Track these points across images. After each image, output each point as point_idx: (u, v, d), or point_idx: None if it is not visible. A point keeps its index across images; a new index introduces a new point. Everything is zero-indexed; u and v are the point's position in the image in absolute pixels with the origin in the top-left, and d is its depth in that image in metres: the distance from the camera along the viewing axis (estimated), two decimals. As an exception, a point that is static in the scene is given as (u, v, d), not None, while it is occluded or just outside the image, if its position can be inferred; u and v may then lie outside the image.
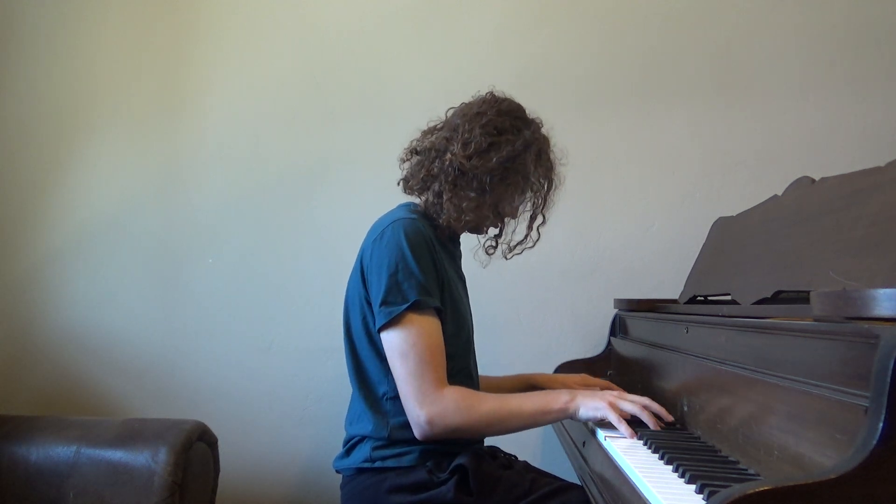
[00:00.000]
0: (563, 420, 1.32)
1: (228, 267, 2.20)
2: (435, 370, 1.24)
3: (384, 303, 1.25)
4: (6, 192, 2.25)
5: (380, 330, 1.27)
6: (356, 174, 2.19)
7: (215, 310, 2.19)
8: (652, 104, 2.14)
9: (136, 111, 2.25)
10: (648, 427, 1.21)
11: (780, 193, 1.42)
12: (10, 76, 2.27)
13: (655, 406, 1.25)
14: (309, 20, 2.24)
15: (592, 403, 1.24)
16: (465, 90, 2.14)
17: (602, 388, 1.51)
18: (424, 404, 1.22)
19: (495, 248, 1.53)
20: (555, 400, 1.27)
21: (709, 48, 2.13)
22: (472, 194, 1.35)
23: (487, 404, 1.26)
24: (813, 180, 1.30)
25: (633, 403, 1.24)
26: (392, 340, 1.25)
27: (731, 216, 1.69)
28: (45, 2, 2.28)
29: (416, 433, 1.25)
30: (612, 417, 1.21)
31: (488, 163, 1.33)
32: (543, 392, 1.34)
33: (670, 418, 1.25)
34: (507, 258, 1.51)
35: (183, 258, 2.21)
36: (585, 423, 1.32)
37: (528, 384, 1.60)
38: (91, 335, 2.20)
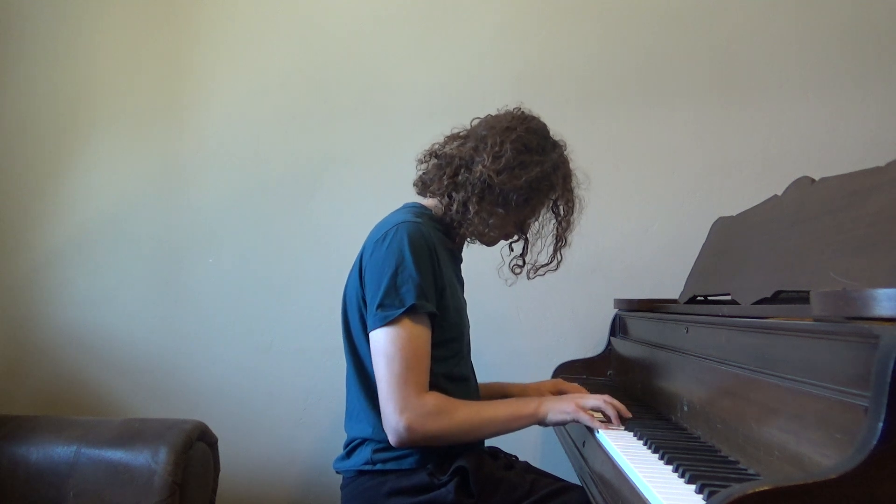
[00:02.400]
0: (534, 425, 1.33)
1: (228, 267, 2.20)
2: (417, 376, 1.23)
3: (381, 305, 1.24)
4: (6, 192, 2.25)
5: (371, 330, 1.27)
6: (356, 174, 2.19)
7: (215, 310, 2.19)
8: (652, 104, 2.14)
9: (136, 111, 2.26)
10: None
11: (780, 193, 1.42)
12: (10, 76, 2.27)
13: (616, 402, 1.30)
14: (309, 20, 2.24)
15: (560, 407, 1.28)
16: (466, 90, 2.16)
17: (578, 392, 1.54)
18: (405, 410, 1.21)
19: (521, 267, 1.53)
20: (524, 406, 1.30)
21: (709, 48, 2.13)
22: (500, 210, 1.36)
23: (463, 412, 1.26)
24: (813, 180, 1.30)
25: (596, 399, 1.30)
26: (381, 341, 1.24)
27: (731, 216, 1.69)
28: (45, 2, 2.28)
29: (392, 439, 1.24)
30: (583, 417, 1.26)
31: (517, 180, 1.33)
32: (515, 399, 1.39)
33: (629, 415, 1.29)
34: (529, 278, 1.52)
35: (183, 258, 2.21)
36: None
37: (501, 392, 1.60)
38: (91, 335, 2.20)
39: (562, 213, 1.44)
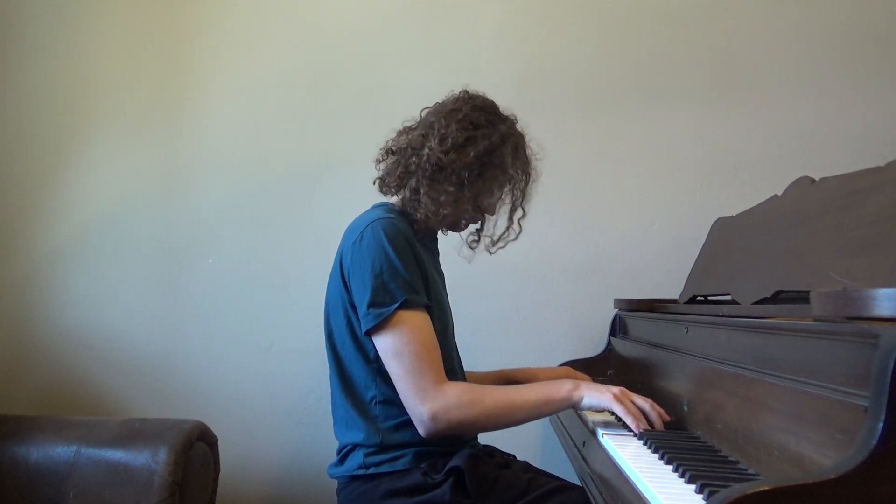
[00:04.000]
0: (566, 409, 1.30)
1: (228, 267, 2.20)
2: (432, 366, 1.23)
3: (372, 305, 1.23)
4: (6, 192, 2.25)
5: (369, 333, 1.26)
6: (356, 174, 2.18)
7: (215, 310, 2.19)
8: (652, 104, 2.14)
9: (136, 111, 2.26)
10: (651, 426, 1.21)
11: (780, 193, 1.42)
12: (10, 76, 2.27)
13: (658, 409, 1.24)
14: (309, 20, 2.24)
15: (597, 393, 1.23)
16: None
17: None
18: (426, 401, 1.21)
19: (478, 241, 1.52)
20: (558, 390, 1.25)
21: (709, 48, 2.13)
22: (451, 188, 1.35)
23: (491, 397, 1.24)
24: (813, 180, 1.30)
25: (643, 401, 1.24)
26: (385, 342, 1.24)
27: (731, 216, 1.69)
28: (45, 2, 2.28)
29: (421, 431, 1.23)
30: (618, 409, 1.20)
31: (465, 157, 1.33)
32: (546, 382, 1.33)
33: (668, 418, 1.24)
34: (490, 252, 1.50)
35: (183, 258, 2.22)
36: (585, 422, 1.32)
37: (508, 379, 1.59)
38: (91, 335, 2.20)
39: (516, 182, 1.42)
